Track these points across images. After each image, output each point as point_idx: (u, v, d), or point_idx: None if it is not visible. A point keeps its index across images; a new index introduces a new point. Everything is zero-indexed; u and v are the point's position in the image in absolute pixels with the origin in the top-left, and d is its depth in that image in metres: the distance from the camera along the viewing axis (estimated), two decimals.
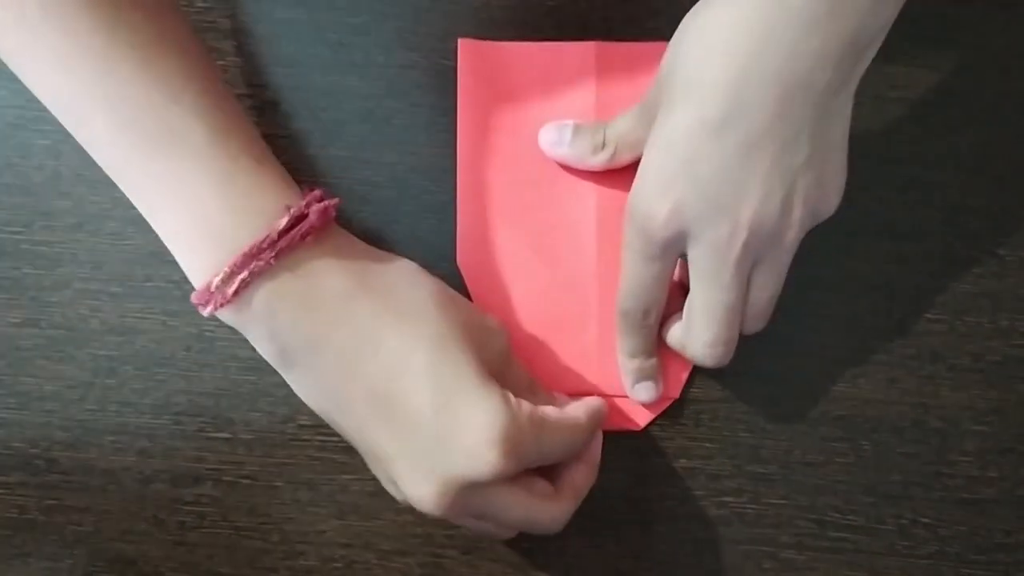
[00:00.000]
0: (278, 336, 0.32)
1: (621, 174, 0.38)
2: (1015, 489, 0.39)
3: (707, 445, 0.39)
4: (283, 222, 0.31)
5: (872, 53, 0.32)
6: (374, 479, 0.39)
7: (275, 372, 0.39)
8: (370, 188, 0.39)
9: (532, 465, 0.33)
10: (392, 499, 0.39)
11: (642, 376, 0.38)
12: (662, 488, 0.39)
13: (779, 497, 0.39)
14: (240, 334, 0.39)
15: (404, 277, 0.34)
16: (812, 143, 0.32)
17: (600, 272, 0.39)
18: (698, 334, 0.35)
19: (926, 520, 0.39)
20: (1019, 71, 0.40)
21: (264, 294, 0.31)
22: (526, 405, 0.32)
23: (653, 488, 0.39)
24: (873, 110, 0.39)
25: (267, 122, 0.39)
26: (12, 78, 0.39)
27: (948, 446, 0.39)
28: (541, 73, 0.39)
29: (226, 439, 0.39)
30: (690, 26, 0.32)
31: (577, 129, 0.38)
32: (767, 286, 0.35)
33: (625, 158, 0.37)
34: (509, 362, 0.36)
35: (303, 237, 0.31)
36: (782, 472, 0.39)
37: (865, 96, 0.37)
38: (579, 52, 0.39)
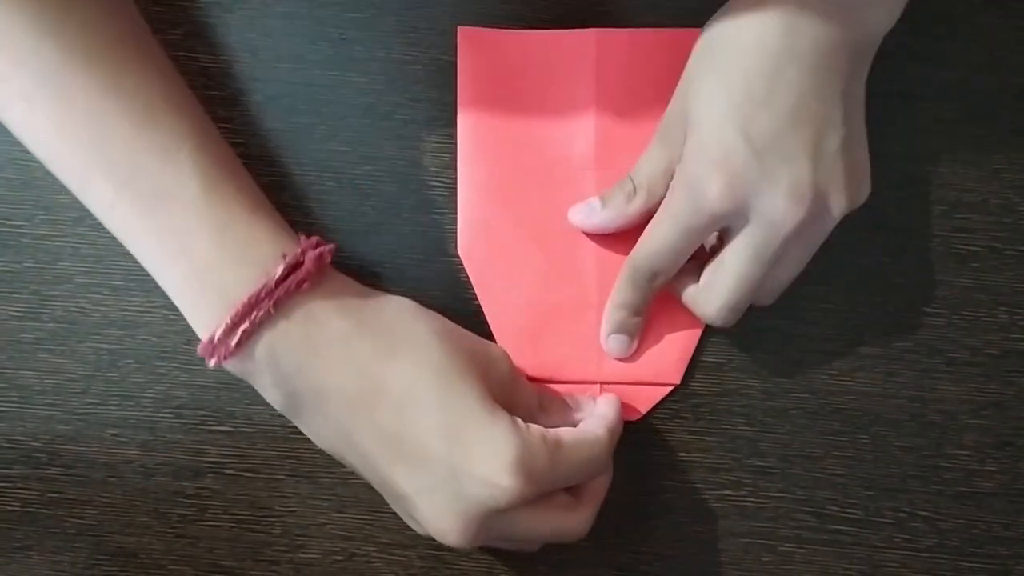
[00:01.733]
0: (283, 384, 0.32)
1: (617, 160, 0.38)
2: (1014, 483, 0.39)
3: (706, 439, 0.39)
4: (279, 270, 0.31)
5: (874, 50, 0.35)
6: None
7: None
8: (371, 182, 0.40)
9: (555, 487, 0.33)
10: None
11: (621, 329, 0.38)
12: (661, 481, 0.39)
13: (778, 490, 0.39)
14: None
15: (402, 313, 0.34)
16: (845, 125, 0.33)
17: (599, 260, 0.39)
18: (717, 298, 0.35)
19: (924, 513, 0.39)
20: (1015, 65, 0.40)
21: (265, 344, 0.32)
22: (536, 429, 0.33)
23: (652, 481, 0.39)
24: (869, 105, 0.39)
25: (269, 117, 0.40)
26: None
27: (946, 440, 0.39)
28: (540, 61, 0.39)
29: (227, 432, 0.39)
30: (721, 23, 0.34)
31: (603, 195, 0.38)
32: (792, 264, 0.35)
33: (661, 193, 0.36)
34: (516, 385, 0.36)
35: (299, 285, 0.32)
36: (781, 466, 0.39)
37: None
38: (579, 40, 0.39)
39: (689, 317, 0.38)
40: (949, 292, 0.40)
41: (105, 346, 0.40)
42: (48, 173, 0.39)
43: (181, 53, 0.40)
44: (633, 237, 0.37)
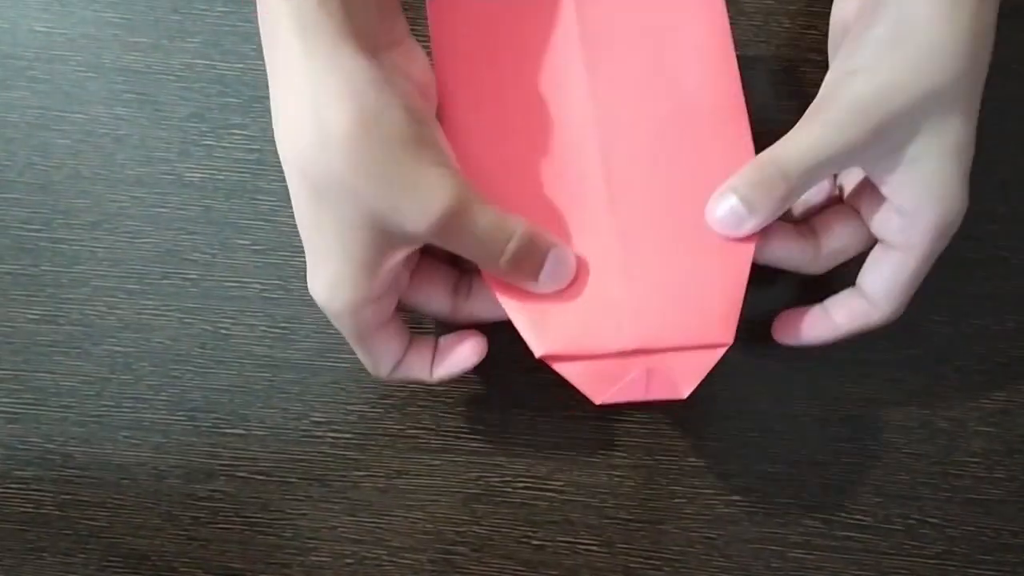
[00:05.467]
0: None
1: (617, 90, 0.35)
2: (1022, 490, 0.39)
3: (715, 444, 0.40)
4: None
5: None
6: (386, 476, 0.39)
7: (289, 369, 0.40)
8: None
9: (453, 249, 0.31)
10: (403, 496, 0.39)
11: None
12: (671, 487, 0.40)
13: (787, 496, 0.40)
14: (254, 332, 0.40)
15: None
16: None
17: (615, 203, 0.34)
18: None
19: (933, 520, 0.39)
20: (1022, 77, 0.40)
21: None
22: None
23: (662, 487, 0.40)
24: None
25: None
26: (33, 79, 0.40)
27: (955, 447, 0.40)
28: (517, 15, 0.35)
29: (240, 435, 0.40)
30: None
31: (743, 194, 0.32)
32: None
33: (816, 186, 0.35)
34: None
35: None
36: (790, 471, 0.40)
37: None
38: None
39: (730, 259, 0.33)
40: (957, 300, 0.40)
41: (120, 349, 0.40)
42: (67, 178, 0.40)
43: (198, 60, 0.40)
44: (643, 129, 0.34)
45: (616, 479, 0.40)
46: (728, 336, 0.32)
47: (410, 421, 0.40)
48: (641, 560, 0.40)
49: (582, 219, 0.33)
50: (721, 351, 0.32)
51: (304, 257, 0.40)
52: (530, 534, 0.40)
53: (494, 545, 0.40)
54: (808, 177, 0.31)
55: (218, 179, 0.40)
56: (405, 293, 0.34)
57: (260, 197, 0.40)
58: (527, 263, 0.32)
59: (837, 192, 0.37)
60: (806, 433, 0.40)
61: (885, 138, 0.31)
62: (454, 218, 0.29)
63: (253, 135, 0.40)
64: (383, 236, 0.29)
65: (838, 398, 0.40)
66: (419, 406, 0.40)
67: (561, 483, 0.40)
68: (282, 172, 0.40)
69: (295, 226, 0.40)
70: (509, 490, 0.40)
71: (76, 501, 0.40)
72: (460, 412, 0.40)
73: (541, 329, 0.32)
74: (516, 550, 0.40)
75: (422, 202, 0.29)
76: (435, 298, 0.35)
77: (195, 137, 0.40)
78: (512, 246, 0.31)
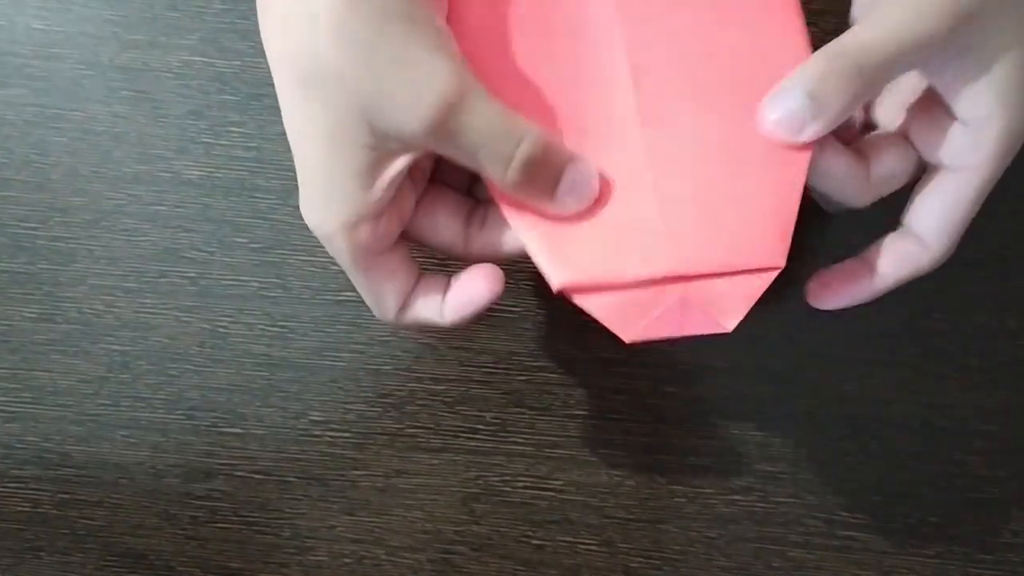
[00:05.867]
0: None
1: None
2: (1022, 490, 0.39)
3: (716, 443, 0.40)
4: None
5: None
6: (385, 475, 0.39)
7: (288, 368, 0.39)
8: None
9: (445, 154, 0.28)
10: (402, 496, 0.39)
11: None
12: (671, 486, 0.40)
13: (788, 495, 0.39)
14: (252, 331, 0.40)
15: None
16: None
17: (644, 110, 0.29)
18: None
19: (934, 519, 0.39)
20: None
21: None
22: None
23: (662, 486, 0.40)
24: None
25: (282, 121, 0.40)
26: (30, 76, 0.40)
27: (956, 446, 0.39)
28: None
29: (238, 434, 0.40)
30: None
31: (809, 87, 0.28)
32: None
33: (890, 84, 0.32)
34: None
35: None
36: (791, 471, 0.39)
37: None
38: None
39: (781, 172, 0.28)
40: (958, 299, 0.40)
41: (118, 348, 0.40)
42: (64, 175, 0.40)
43: (196, 58, 0.40)
44: (675, 24, 0.29)
45: (616, 478, 0.39)
46: (780, 259, 0.28)
47: (409, 420, 0.40)
48: (641, 560, 0.39)
49: (607, 130, 0.29)
50: (771, 276, 0.28)
51: (302, 256, 0.40)
52: (530, 534, 0.39)
53: (493, 545, 0.39)
54: (885, 70, 0.27)
55: (216, 177, 0.40)
56: (410, 222, 0.31)
57: (258, 195, 0.40)
58: (541, 175, 0.28)
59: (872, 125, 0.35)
60: (806, 432, 0.40)
61: (962, 31, 0.27)
62: (452, 110, 0.26)
63: (251, 133, 0.40)
64: (376, 137, 0.27)
65: (839, 397, 0.40)
66: (418, 405, 0.40)
67: (561, 482, 0.40)
68: (280, 169, 0.40)
69: (293, 224, 0.40)
70: (509, 489, 0.40)
71: (74, 500, 0.40)
72: (459, 411, 0.40)
73: (560, 256, 0.28)
74: (516, 549, 0.39)
75: (415, 88, 0.26)
76: (444, 226, 0.31)
77: (193, 135, 0.40)
78: (524, 150, 0.27)
